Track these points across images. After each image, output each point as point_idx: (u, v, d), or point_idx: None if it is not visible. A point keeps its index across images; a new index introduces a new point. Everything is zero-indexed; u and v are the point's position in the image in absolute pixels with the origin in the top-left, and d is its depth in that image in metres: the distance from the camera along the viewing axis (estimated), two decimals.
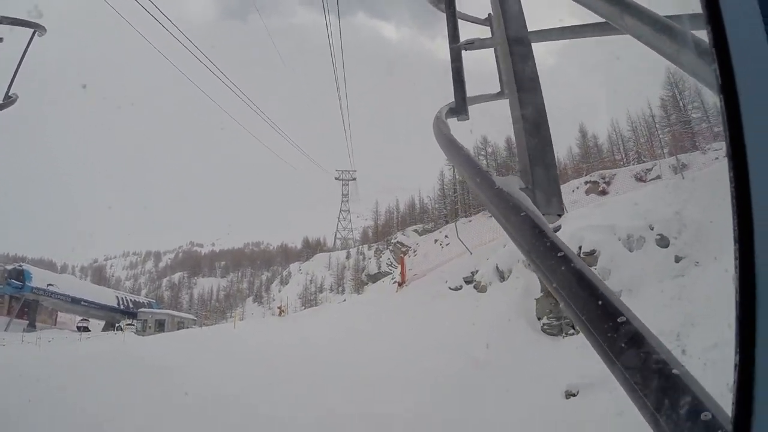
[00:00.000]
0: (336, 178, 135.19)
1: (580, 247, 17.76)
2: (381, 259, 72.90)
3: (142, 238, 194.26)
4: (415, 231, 70.12)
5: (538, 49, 6.18)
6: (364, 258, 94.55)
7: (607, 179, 36.25)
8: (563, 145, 60.21)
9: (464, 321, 19.29)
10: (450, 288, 22.94)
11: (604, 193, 33.85)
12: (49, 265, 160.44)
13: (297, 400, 15.90)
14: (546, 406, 13.53)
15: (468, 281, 22.66)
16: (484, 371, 15.78)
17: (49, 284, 49.41)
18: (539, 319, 18.05)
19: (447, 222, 54.67)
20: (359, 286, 77.26)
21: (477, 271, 22.49)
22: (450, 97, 6.39)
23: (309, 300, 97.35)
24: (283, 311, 48.54)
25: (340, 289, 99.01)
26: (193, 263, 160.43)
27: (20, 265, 51.13)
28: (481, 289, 21.59)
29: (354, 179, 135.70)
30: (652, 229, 17.23)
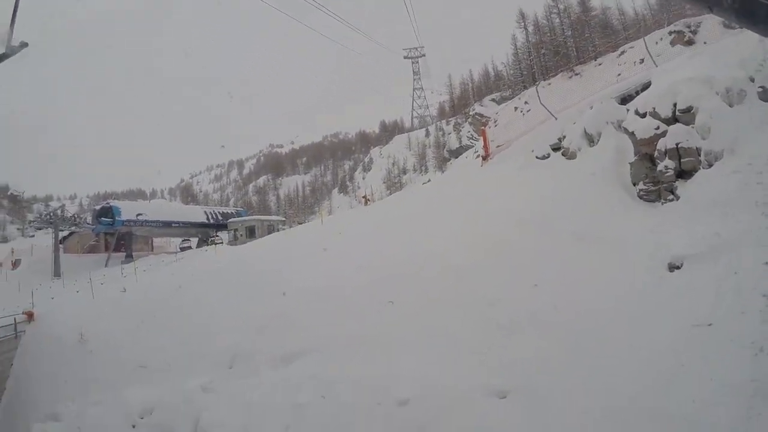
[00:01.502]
0: (405, 57, 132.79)
1: (674, 104, 16.56)
2: (461, 133, 71.69)
3: (224, 150, 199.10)
4: (493, 100, 68.03)
5: None
6: (443, 134, 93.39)
7: (692, 28, 33.46)
8: None
9: (554, 191, 18.50)
10: (537, 157, 21.83)
11: (690, 43, 31.33)
12: (139, 194, 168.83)
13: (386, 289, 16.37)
14: (649, 281, 13.08)
15: (555, 148, 21.52)
16: (581, 245, 15.25)
17: (139, 214, 50.89)
18: (635, 184, 17.22)
19: (525, 87, 52.51)
20: (442, 163, 76.70)
21: (564, 137, 21.28)
22: None
23: (393, 183, 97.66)
24: (368, 200, 48.23)
25: (423, 168, 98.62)
26: (276, 165, 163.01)
27: (107, 203, 52.65)
28: (569, 155, 20.53)
29: (423, 55, 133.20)
30: (752, 81, 15.82)
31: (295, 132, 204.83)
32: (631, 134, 17.71)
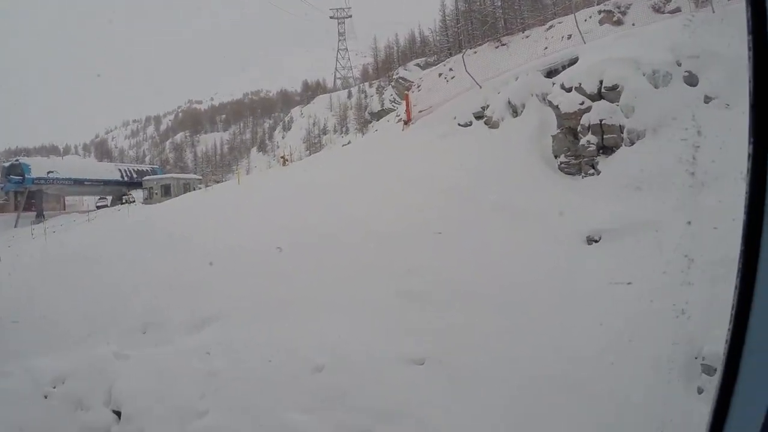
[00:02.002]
0: (330, 17, 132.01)
1: (600, 82, 16.54)
2: (383, 96, 71.69)
3: (140, 105, 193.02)
4: (418, 65, 68.19)
5: None
6: (366, 96, 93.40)
7: (622, 9, 33.72)
8: None
9: (476, 160, 18.33)
10: (459, 124, 21.54)
11: (619, 23, 31.50)
12: (52, 150, 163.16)
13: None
14: (566, 254, 13.14)
15: (478, 117, 21.26)
16: (503, 215, 15.17)
17: (50, 171, 49.08)
18: (556, 157, 17.26)
19: (450, 54, 52.42)
20: (363, 126, 76.45)
21: (488, 106, 21.07)
22: None
23: (313, 144, 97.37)
24: (287, 161, 47.19)
25: (344, 129, 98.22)
26: (194, 121, 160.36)
27: (17, 159, 51.52)
28: (492, 125, 20.37)
29: (350, 17, 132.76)
30: (679, 65, 15.92)
31: (215, 87, 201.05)
32: (556, 108, 17.62)
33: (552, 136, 17.60)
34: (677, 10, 24.49)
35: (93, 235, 25.02)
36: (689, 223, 9.72)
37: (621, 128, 15.66)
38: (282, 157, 49.50)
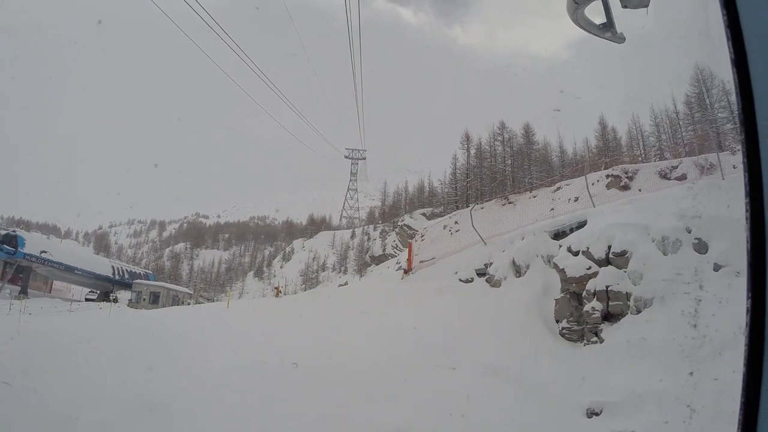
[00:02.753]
0: (345, 157, 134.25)
1: (609, 247, 16.11)
2: (386, 241, 72.18)
3: (149, 207, 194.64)
4: (423, 215, 68.98)
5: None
6: (369, 239, 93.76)
7: (629, 174, 34.41)
8: (579, 136, 58.64)
9: (476, 319, 17.51)
10: (460, 280, 21.05)
11: (626, 188, 32.04)
12: (53, 230, 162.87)
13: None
14: (563, 428, 11.98)
15: (480, 273, 20.81)
16: (496, 379, 14.09)
17: (43, 251, 48.44)
18: (558, 321, 16.43)
19: (457, 207, 53.24)
20: (362, 268, 76.27)
21: (491, 264, 20.65)
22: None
23: (310, 278, 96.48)
24: (280, 292, 46.65)
25: (343, 269, 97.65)
26: (197, 234, 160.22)
27: (14, 231, 50.20)
28: (494, 283, 19.82)
29: (363, 158, 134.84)
30: (689, 232, 15.51)
31: (224, 206, 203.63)
32: (561, 271, 17.05)
33: (555, 299, 16.94)
34: (683, 177, 24.86)
35: (68, 332, 23.35)
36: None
37: (628, 295, 15.07)
38: (276, 288, 48.89)
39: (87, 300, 50.23)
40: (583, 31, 3.08)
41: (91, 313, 30.28)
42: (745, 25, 1.65)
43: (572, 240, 17.83)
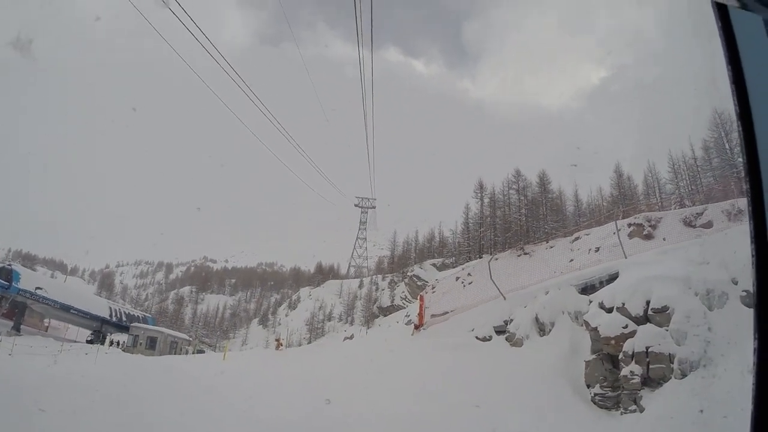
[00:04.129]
0: (355, 205, 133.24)
1: (647, 302, 14.21)
2: (395, 292, 70.63)
3: (157, 249, 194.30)
4: (434, 265, 67.66)
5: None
6: (377, 289, 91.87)
7: (652, 222, 32.80)
8: (594, 185, 57.04)
9: (495, 383, 15.58)
10: (477, 338, 19.15)
11: (649, 237, 30.42)
12: (60, 266, 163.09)
13: None
14: None
15: (500, 331, 18.94)
16: None
17: (38, 287, 46.63)
18: (589, 386, 14.44)
19: (470, 258, 51.80)
20: (370, 319, 74.29)
21: (511, 320, 18.79)
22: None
23: (316, 328, 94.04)
24: (281, 345, 45.34)
25: (350, 319, 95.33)
26: (203, 278, 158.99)
27: (9, 264, 48.37)
28: (515, 342, 17.94)
29: (373, 207, 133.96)
30: (735, 283, 13.63)
31: (232, 251, 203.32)
32: (593, 330, 15.08)
33: (585, 361, 15.02)
34: (709, 224, 23.28)
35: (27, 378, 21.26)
36: None
37: (671, 357, 13.11)
38: (277, 341, 47.34)
39: (87, 342, 48.34)
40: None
41: (77, 358, 28.24)
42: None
43: (604, 295, 15.91)
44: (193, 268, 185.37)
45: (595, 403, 14.11)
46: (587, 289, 17.67)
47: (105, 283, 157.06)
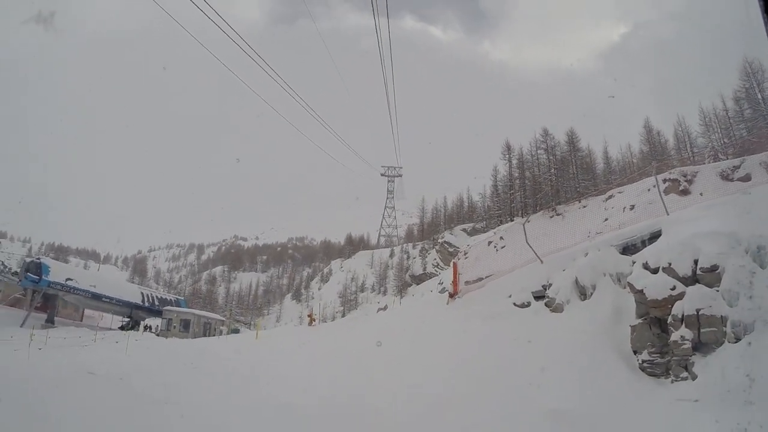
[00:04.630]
0: (382, 175, 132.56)
1: (695, 261, 13.25)
2: (426, 260, 70.49)
3: (189, 230, 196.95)
4: (464, 230, 67.35)
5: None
6: (408, 257, 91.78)
7: (688, 177, 31.68)
8: (622, 142, 55.74)
9: (535, 351, 14.86)
10: (515, 304, 18.27)
11: (685, 193, 29.39)
12: (92, 256, 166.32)
13: None
14: None
15: (538, 297, 18.05)
16: (556, 427, 11.56)
17: (68, 279, 47.15)
18: (636, 353, 13.50)
19: (501, 222, 50.96)
20: (402, 288, 73.98)
21: (550, 285, 17.84)
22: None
23: (349, 300, 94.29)
24: (314, 320, 44.93)
25: (382, 289, 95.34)
26: (235, 257, 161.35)
27: (38, 258, 49.29)
28: (555, 307, 17.05)
29: (400, 176, 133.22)
30: None
31: (262, 228, 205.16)
32: (639, 292, 14.07)
33: (631, 326, 14.02)
34: (747, 177, 22.37)
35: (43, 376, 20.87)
36: None
37: (723, 320, 12.13)
38: (309, 316, 46.96)
39: (120, 329, 49.36)
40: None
41: (107, 347, 28.05)
42: None
43: (648, 254, 14.87)
44: (224, 247, 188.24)
45: (643, 370, 13.18)
46: (628, 249, 16.71)
47: (138, 268, 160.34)
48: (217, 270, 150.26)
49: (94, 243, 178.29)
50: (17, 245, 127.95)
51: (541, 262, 19.97)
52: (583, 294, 16.54)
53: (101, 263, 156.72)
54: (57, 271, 46.53)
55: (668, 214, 18.10)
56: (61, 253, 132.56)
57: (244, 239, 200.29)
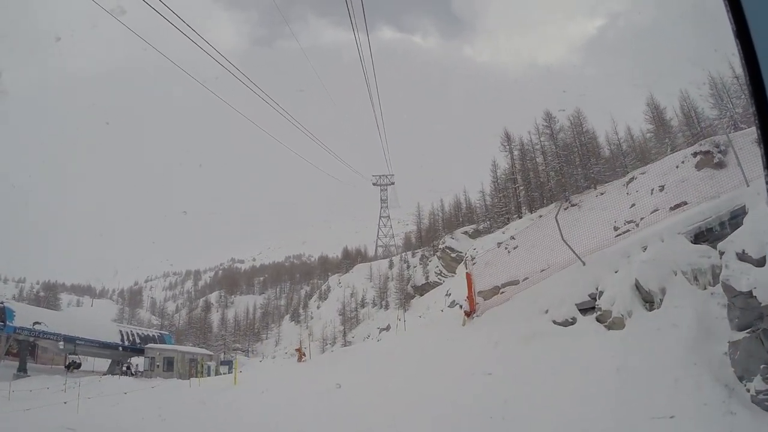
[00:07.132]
0: (374, 184, 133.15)
1: None
2: (428, 268, 67.91)
3: (185, 258, 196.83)
4: (466, 233, 64.11)
5: None
6: (408, 267, 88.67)
7: (721, 148, 27.88)
8: (622, 127, 52.33)
9: (597, 390, 10.57)
10: (555, 322, 13.79)
11: (721, 166, 25.76)
12: (87, 291, 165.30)
13: None
14: None
15: (585, 309, 13.54)
16: None
17: (36, 322, 43.88)
18: (742, 379, 9.15)
19: (508, 220, 47.29)
20: (405, 301, 70.48)
21: (600, 293, 13.40)
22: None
23: (349, 318, 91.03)
24: (304, 356, 40.20)
25: (384, 303, 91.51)
26: (232, 281, 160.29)
27: (2, 303, 45.61)
28: (612, 323, 12.56)
29: (392, 183, 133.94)
30: None
31: (259, 249, 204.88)
32: (745, 295, 9.73)
33: (730, 342, 9.62)
34: None
35: None
36: None
37: None
38: (298, 350, 42.72)
39: (66, 368, 45.95)
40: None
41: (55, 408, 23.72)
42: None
43: (742, 239, 10.33)
44: (220, 271, 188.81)
45: (757, 403, 8.92)
46: (702, 236, 12.52)
47: (134, 300, 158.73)
48: (213, 295, 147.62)
49: (92, 278, 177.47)
50: (11, 286, 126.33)
51: (583, 263, 15.55)
52: (649, 302, 12.14)
53: (96, 298, 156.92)
54: (24, 316, 43.88)
55: (748, 185, 13.83)
56: (53, 291, 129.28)
57: (241, 261, 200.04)
